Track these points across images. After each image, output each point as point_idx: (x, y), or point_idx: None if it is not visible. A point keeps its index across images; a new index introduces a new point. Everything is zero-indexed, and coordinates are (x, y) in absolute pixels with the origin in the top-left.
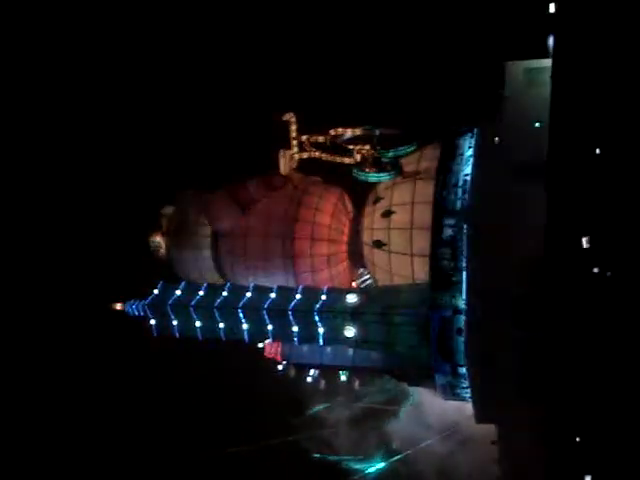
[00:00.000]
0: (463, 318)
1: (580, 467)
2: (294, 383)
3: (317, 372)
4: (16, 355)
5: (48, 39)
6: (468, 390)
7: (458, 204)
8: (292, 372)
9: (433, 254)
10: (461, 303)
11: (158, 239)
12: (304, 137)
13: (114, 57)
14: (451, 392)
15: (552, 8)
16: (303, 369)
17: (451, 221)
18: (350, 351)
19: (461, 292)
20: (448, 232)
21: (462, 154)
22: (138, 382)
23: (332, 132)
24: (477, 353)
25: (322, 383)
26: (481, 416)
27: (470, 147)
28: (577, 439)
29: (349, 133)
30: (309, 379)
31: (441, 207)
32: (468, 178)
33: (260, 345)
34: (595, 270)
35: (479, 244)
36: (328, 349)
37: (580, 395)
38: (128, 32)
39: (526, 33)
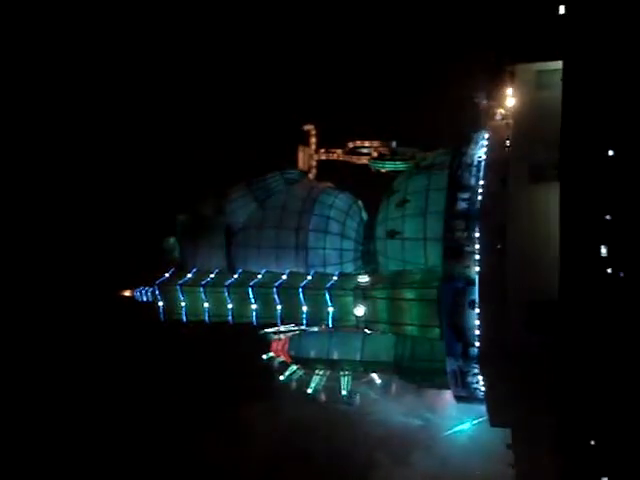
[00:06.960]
0: (476, 290)
1: (595, 470)
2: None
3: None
4: (26, 341)
5: (75, 52)
6: (479, 383)
7: (472, 180)
8: (275, 364)
9: (447, 225)
10: (473, 274)
11: (172, 241)
12: (322, 150)
13: (137, 68)
14: (462, 381)
15: (562, 9)
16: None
17: (465, 195)
18: (358, 346)
19: (474, 263)
20: (462, 205)
21: (476, 142)
22: (145, 367)
23: (350, 144)
24: (491, 355)
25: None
26: (495, 420)
27: (483, 138)
28: (592, 442)
29: (367, 146)
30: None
31: (456, 182)
32: (482, 160)
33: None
34: (609, 270)
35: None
36: (335, 353)
37: (594, 398)
38: (151, 45)
39: (537, 35)
